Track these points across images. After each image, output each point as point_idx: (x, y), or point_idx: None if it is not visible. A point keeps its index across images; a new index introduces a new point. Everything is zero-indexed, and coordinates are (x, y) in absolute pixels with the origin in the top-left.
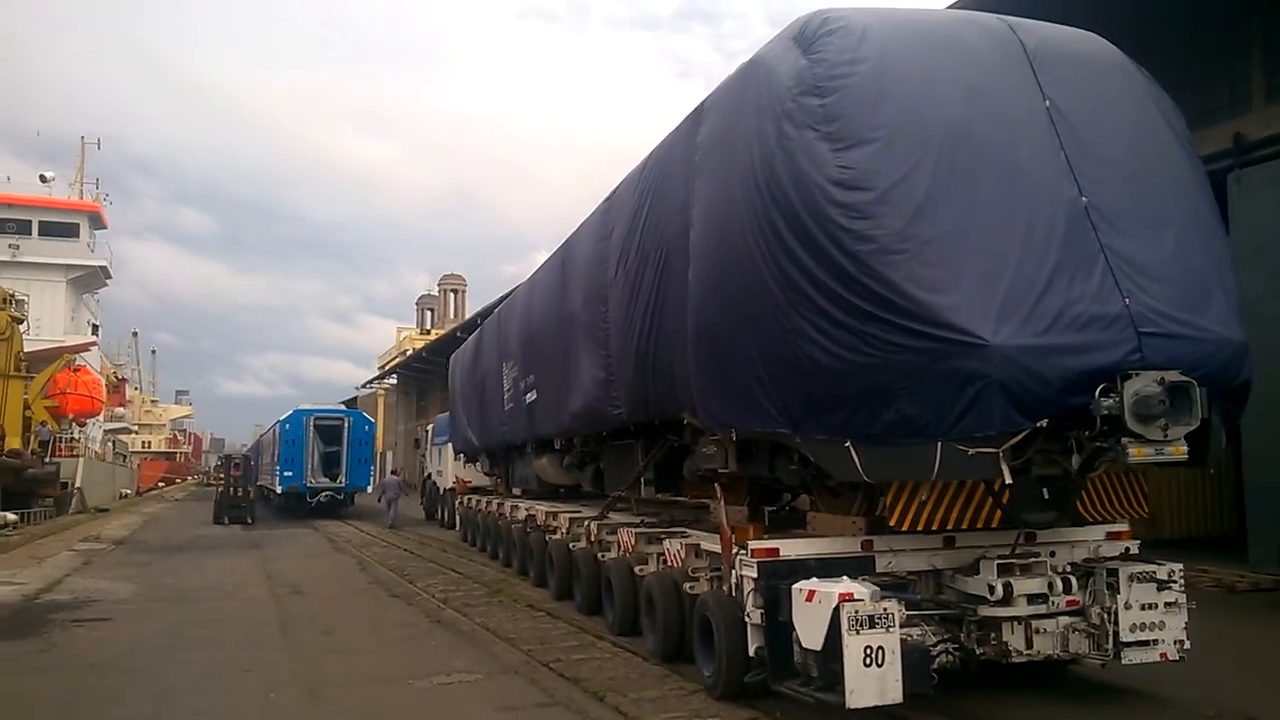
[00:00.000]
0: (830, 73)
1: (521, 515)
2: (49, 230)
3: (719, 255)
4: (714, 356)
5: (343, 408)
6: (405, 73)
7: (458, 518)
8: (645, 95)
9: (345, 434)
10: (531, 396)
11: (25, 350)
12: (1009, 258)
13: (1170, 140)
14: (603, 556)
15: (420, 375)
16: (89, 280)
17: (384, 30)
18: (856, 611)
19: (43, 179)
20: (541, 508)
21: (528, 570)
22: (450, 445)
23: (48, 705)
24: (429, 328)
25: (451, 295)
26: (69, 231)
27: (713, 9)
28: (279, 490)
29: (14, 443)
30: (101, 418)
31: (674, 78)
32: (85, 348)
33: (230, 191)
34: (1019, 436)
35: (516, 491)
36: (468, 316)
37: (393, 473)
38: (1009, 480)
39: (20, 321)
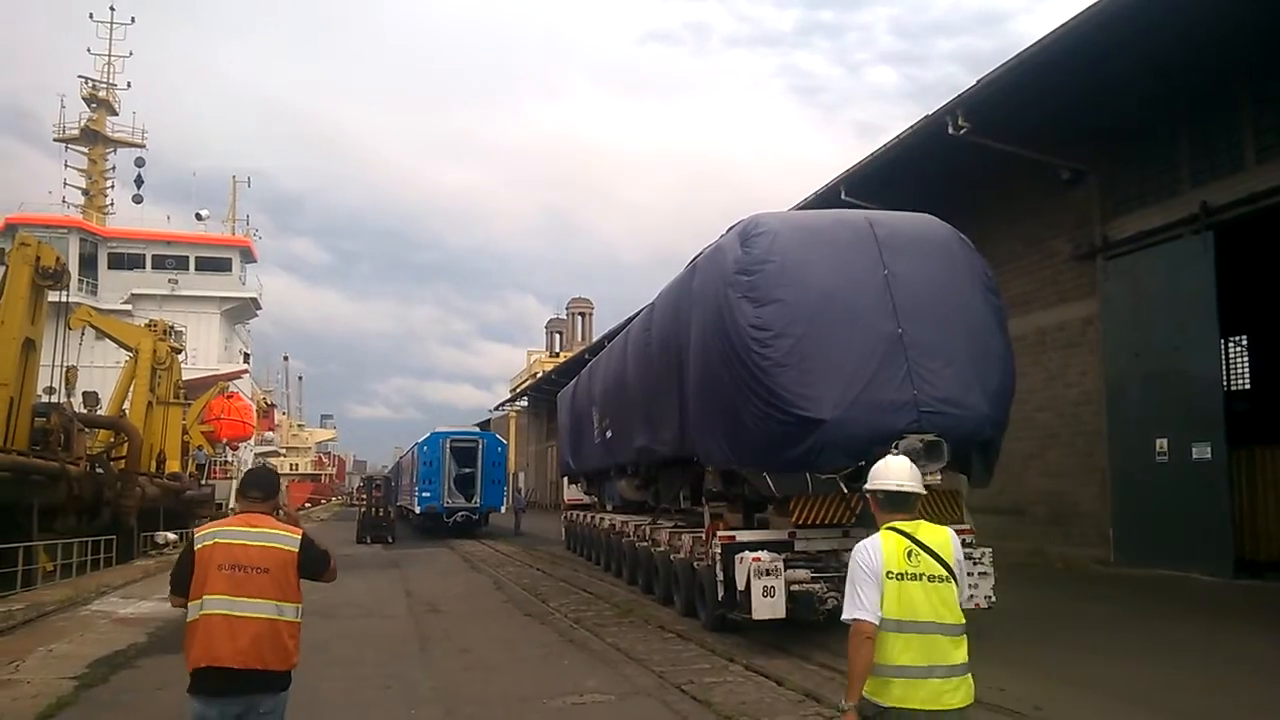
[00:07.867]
0: (754, 261)
1: (606, 524)
2: (204, 265)
3: (701, 361)
4: (700, 420)
5: (477, 430)
6: (504, 103)
7: (564, 529)
8: (771, 114)
9: (480, 455)
10: (610, 434)
11: (183, 379)
12: (847, 370)
13: (972, 292)
14: (651, 550)
15: (550, 397)
16: (240, 311)
17: (489, 66)
18: (759, 567)
19: (198, 217)
20: (618, 518)
21: (653, 588)
22: None
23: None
24: (558, 350)
25: (579, 318)
26: (222, 266)
27: (835, 21)
28: (418, 510)
29: (173, 466)
30: (252, 441)
31: (796, 93)
32: (238, 375)
33: (352, 223)
34: (849, 470)
35: (608, 507)
36: (595, 339)
37: (517, 490)
38: (845, 493)
39: (179, 352)
